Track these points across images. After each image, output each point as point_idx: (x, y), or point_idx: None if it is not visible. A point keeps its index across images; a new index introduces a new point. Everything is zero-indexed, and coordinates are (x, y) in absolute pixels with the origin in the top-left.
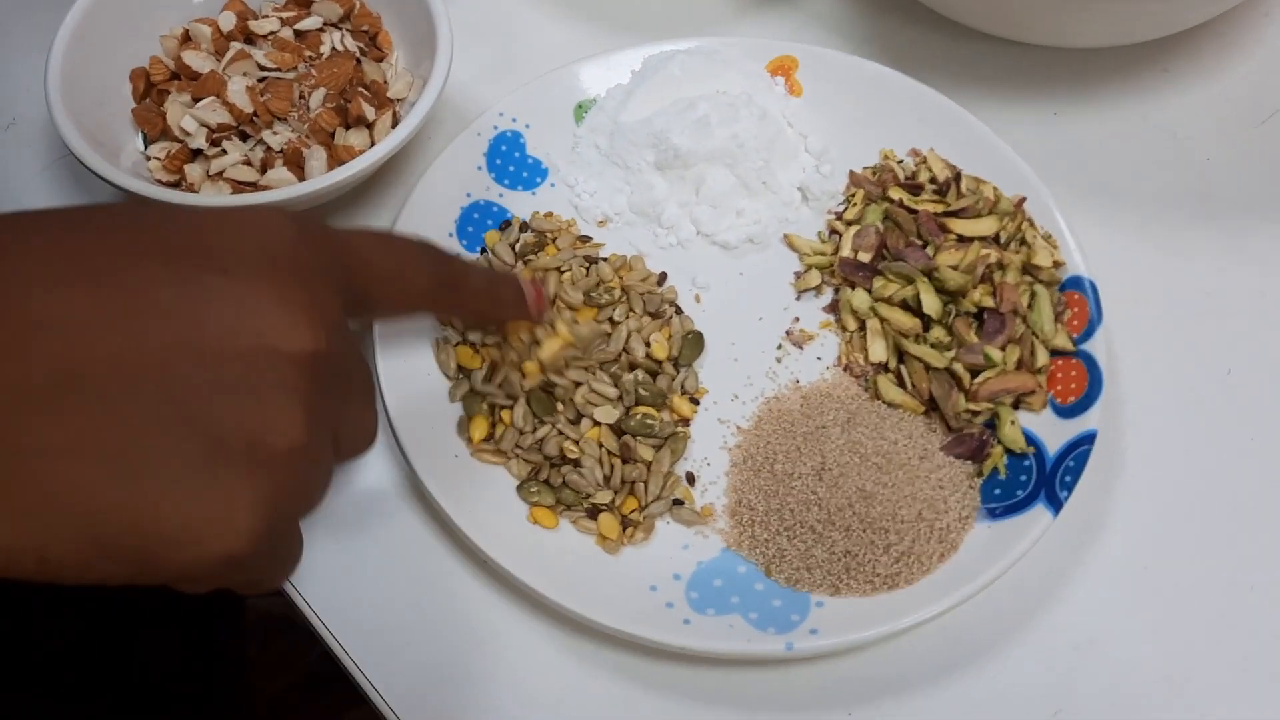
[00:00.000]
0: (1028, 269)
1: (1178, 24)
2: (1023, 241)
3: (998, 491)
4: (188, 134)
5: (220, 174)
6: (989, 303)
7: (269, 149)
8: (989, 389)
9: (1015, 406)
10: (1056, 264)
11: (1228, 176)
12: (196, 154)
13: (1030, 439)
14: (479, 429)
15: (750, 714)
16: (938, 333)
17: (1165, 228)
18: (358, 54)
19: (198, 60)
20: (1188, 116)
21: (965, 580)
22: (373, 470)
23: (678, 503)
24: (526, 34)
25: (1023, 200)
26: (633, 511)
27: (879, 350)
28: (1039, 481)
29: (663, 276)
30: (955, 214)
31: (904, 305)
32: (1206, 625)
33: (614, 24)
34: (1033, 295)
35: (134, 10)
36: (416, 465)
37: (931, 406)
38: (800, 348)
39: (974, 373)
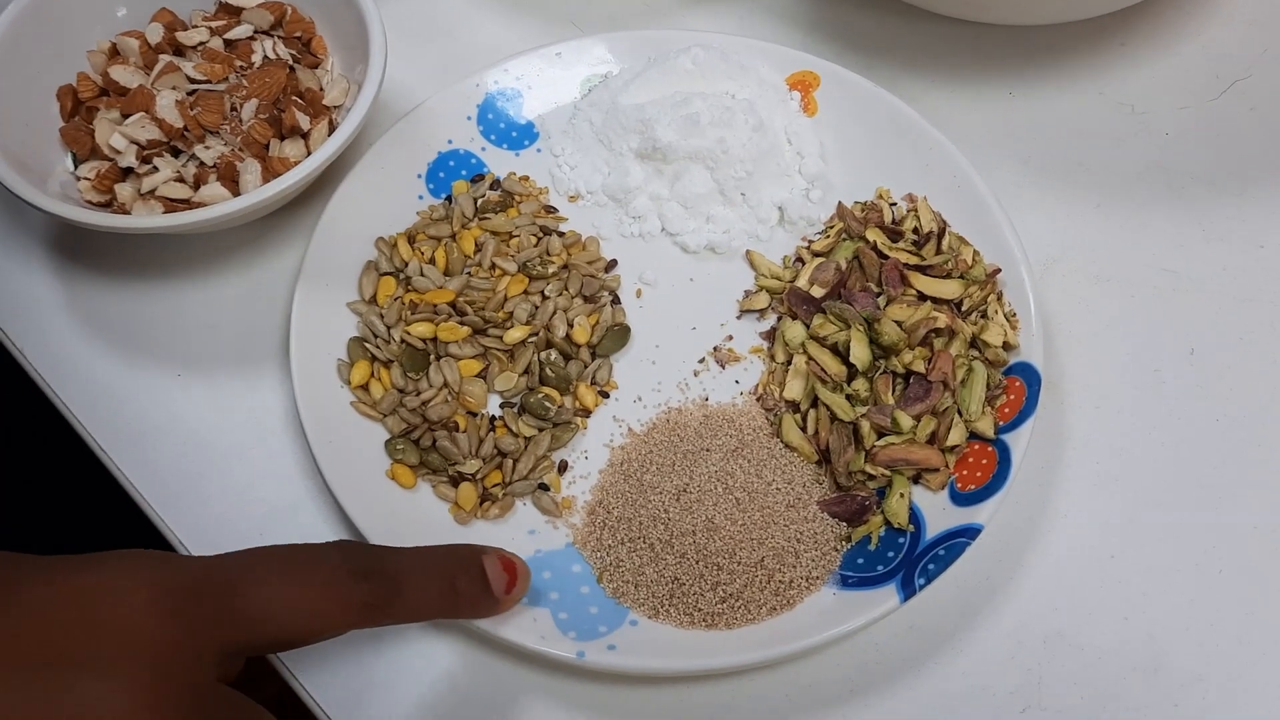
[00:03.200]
0: (976, 343)
1: None
2: (984, 314)
3: (860, 561)
4: (117, 152)
5: (152, 192)
6: (920, 367)
7: (202, 164)
8: (889, 455)
9: (915, 480)
10: (1008, 345)
11: (1187, 151)
12: (127, 172)
13: (915, 516)
14: (360, 373)
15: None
16: (859, 385)
17: (1125, 205)
18: (291, 61)
19: (126, 75)
20: (1146, 91)
21: (782, 640)
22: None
23: (543, 487)
24: (467, 32)
25: (997, 270)
26: (495, 486)
27: (795, 388)
28: (902, 561)
29: (611, 264)
30: (923, 269)
31: (835, 349)
32: (1176, 611)
33: (556, 17)
34: (970, 371)
35: (59, 26)
36: (300, 394)
37: (825, 458)
38: (723, 366)
39: (881, 434)
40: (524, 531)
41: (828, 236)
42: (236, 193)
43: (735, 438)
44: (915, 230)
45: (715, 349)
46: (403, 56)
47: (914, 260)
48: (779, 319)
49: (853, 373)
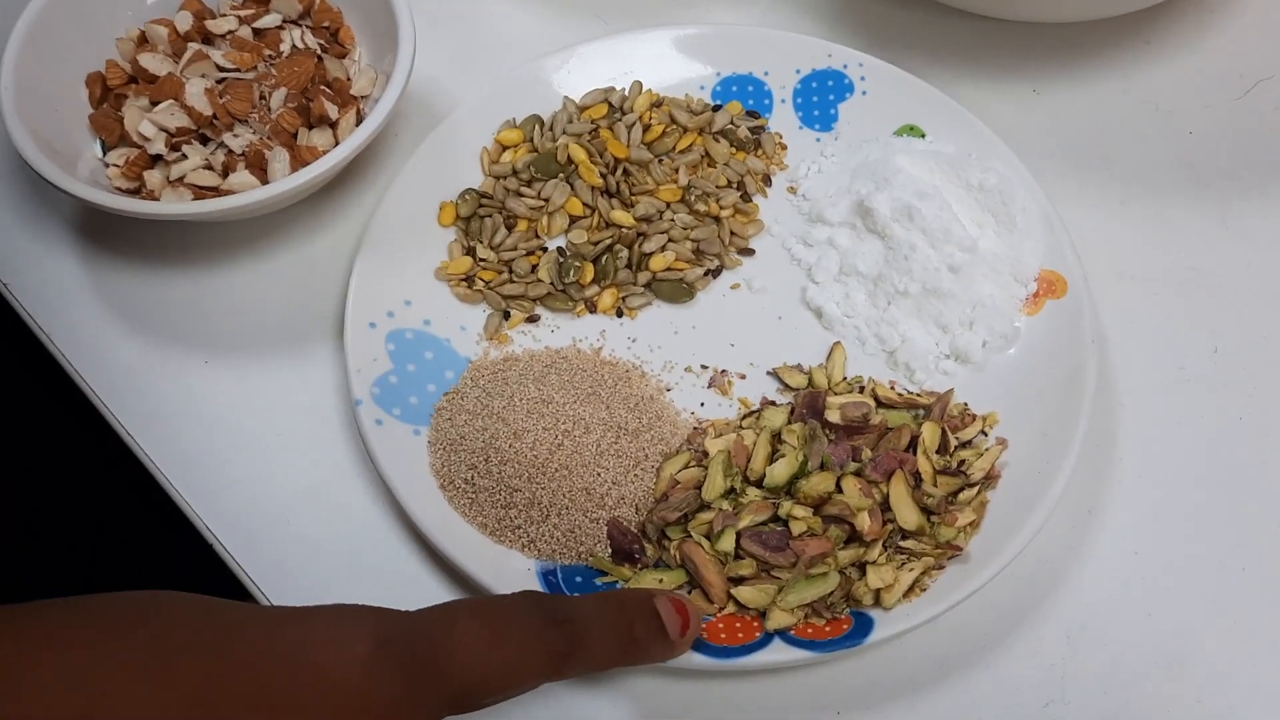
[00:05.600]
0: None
1: None
2: (910, 558)
3: (579, 579)
4: (146, 139)
5: (181, 179)
6: (796, 527)
7: (230, 152)
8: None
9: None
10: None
11: (1211, 149)
12: (156, 159)
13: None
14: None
15: (741, 716)
16: (754, 494)
17: (1149, 203)
18: (319, 51)
19: (155, 63)
20: (1170, 89)
21: None
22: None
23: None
24: (494, 24)
25: (955, 551)
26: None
27: (760, 461)
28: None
29: (748, 251)
30: (923, 503)
31: (773, 452)
32: (1200, 608)
33: (580, 9)
34: (822, 578)
35: (88, 13)
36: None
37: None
38: (709, 386)
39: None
40: None
41: (897, 394)
42: (265, 181)
43: (659, 443)
44: (965, 445)
45: (720, 370)
46: (430, 46)
47: (936, 480)
48: (788, 405)
49: (788, 490)
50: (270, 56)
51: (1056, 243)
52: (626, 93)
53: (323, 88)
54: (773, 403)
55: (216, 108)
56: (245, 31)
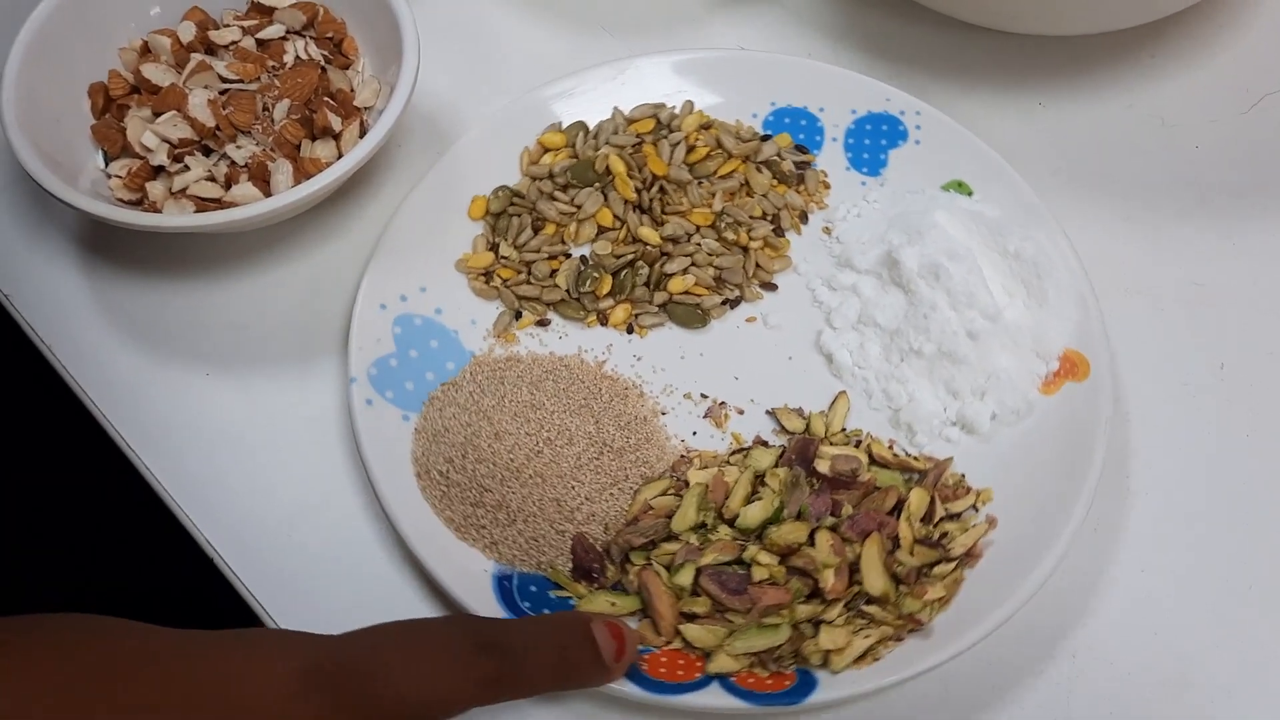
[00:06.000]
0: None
1: (1164, 8)
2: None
3: (534, 589)
4: (149, 150)
5: (183, 191)
6: (758, 573)
7: (233, 164)
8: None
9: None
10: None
11: (1217, 164)
12: (158, 171)
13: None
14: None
15: None
16: (725, 532)
17: (1154, 218)
18: (322, 62)
19: (158, 73)
20: (1175, 103)
21: None
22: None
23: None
24: (501, 37)
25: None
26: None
27: (737, 500)
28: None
29: (770, 285)
30: (894, 572)
31: (752, 493)
32: (1205, 626)
33: (586, 24)
34: (774, 629)
35: (91, 23)
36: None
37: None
38: (704, 416)
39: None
40: None
41: (893, 454)
42: (268, 193)
43: (641, 466)
44: (953, 518)
45: (719, 402)
46: (438, 58)
47: (905, 541)
48: (780, 448)
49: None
50: (274, 67)
51: (1087, 323)
52: (677, 110)
53: (326, 99)
54: (765, 443)
55: (219, 119)
56: (249, 42)
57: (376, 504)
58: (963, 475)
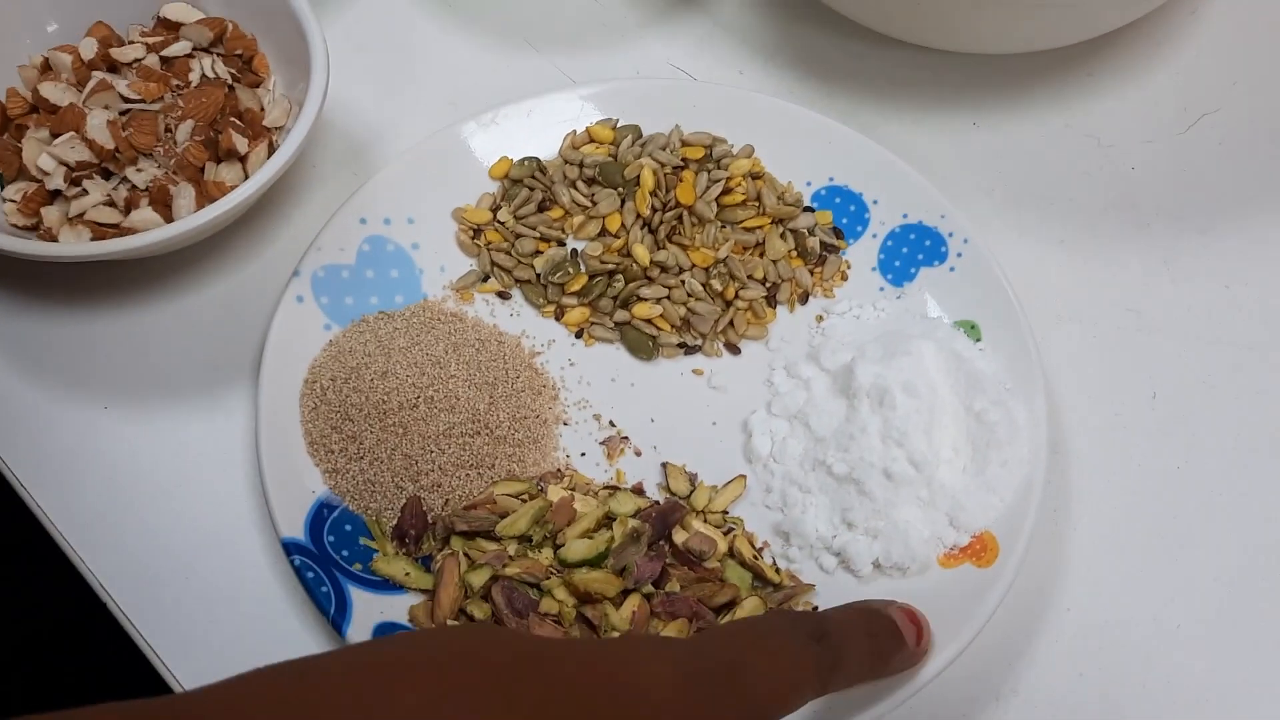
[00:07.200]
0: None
1: (1100, 26)
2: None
3: (348, 528)
4: (45, 173)
5: (80, 216)
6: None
7: (133, 188)
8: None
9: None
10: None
11: (1153, 186)
12: (55, 195)
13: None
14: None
15: None
16: (554, 582)
17: (1090, 241)
18: (230, 80)
19: (56, 92)
20: (1112, 123)
21: None
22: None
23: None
24: (424, 48)
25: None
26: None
27: (574, 531)
28: None
29: (735, 349)
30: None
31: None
32: (1132, 667)
33: (515, 36)
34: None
35: None
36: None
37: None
38: (601, 442)
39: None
40: None
41: (755, 556)
42: (169, 218)
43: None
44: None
45: (622, 436)
46: (358, 75)
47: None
48: (651, 501)
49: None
50: (178, 86)
51: (1017, 515)
52: (735, 150)
53: (233, 119)
54: (641, 492)
55: (119, 141)
56: (153, 60)
57: (277, 544)
58: (816, 607)
